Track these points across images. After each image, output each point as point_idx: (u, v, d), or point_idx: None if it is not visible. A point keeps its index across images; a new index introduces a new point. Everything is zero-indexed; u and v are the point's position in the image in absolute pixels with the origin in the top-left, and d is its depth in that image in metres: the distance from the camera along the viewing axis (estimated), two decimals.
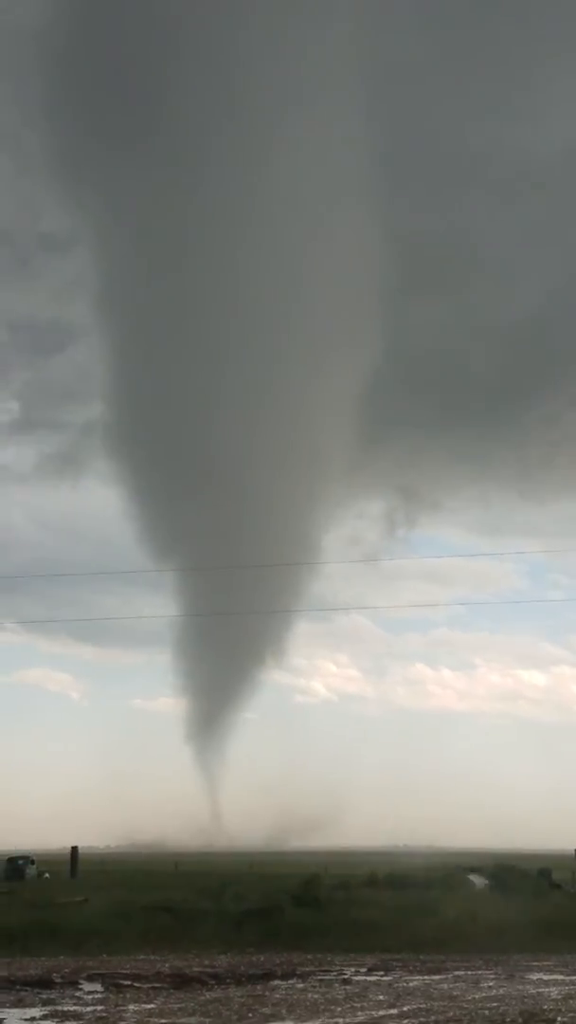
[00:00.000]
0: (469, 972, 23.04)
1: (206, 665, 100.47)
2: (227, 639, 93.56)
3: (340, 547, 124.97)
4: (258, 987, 20.67)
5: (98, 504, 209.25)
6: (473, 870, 49.18)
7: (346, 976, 22.30)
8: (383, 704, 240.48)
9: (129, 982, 21.20)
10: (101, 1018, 17.12)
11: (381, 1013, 17.43)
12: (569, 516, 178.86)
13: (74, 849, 56.87)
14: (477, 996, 19.35)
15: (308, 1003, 18.59)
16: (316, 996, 19.44)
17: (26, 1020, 17.04)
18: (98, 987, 20.74)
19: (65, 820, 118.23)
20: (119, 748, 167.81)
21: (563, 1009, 17.49)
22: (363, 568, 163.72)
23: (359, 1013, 17.46)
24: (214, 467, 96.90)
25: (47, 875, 55.46)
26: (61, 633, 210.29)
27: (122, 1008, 18.07)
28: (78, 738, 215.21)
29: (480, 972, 23.04)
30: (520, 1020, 16.42)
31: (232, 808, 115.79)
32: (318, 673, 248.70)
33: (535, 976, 22.30)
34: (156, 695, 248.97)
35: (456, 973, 22.89)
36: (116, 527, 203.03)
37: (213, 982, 21.29)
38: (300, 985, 20.99)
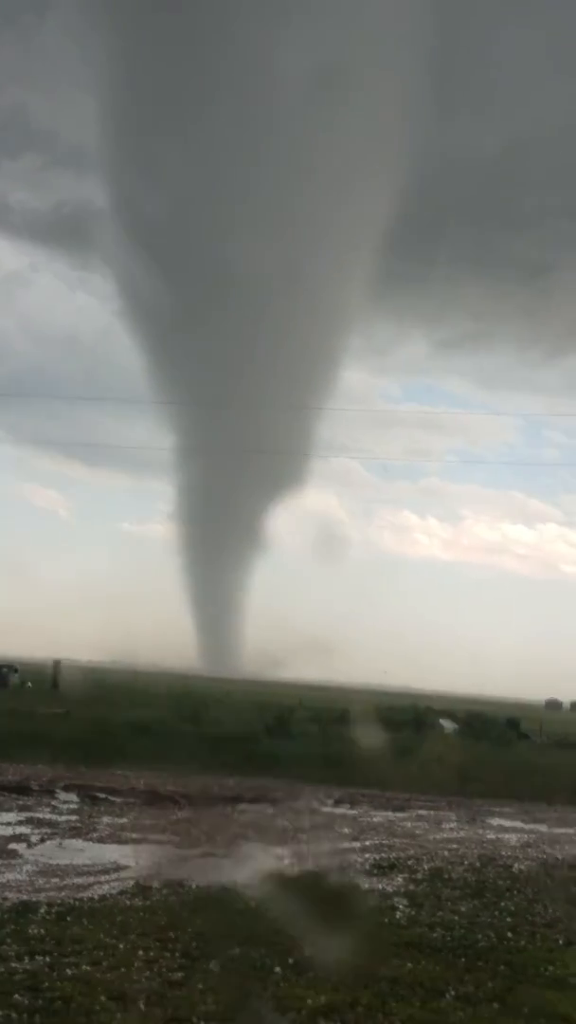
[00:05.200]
0: (432, 812, 23.85)
1: (208, 501, 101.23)
2: (235, 475, 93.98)
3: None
4: (228, 810, 21.39)
5: (99, 317, 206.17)
6: (444, 714, 50.63)
7: (313, 806, 23.08)
8: (368, 547, 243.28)
9: (104, 795, 21.91)
10: (75, 828, 17.72)
11: (344, 845, 18.05)
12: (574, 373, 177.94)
13: (57, 663, 58.27)
14: (438, 837, 20.06)
15: (276, 829, 19.25)
16: (284, 823, 20.13)
17: (2, 824, 17.61)
18: (73, 797, 21.44)
19: (47, 634, 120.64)
20: (105, 568, 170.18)
21: (520, 857, 18.13)
22: (357, 411, 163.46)
23: (323, 843, 18.09)
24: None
25: (29, 684, 56.95)
26: (52, 449, 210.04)
27: (95, 820, 18.70)
28: (64, 556, 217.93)
29: (443, 813, 23.86)
30: (478, 864, 17.01)
31: (217, 635, 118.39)
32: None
33: (496, 822, 23.09)
34: (146, 519, 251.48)
35: (419, 812, 23.69)
36: (118, 343, 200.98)
37: (185, 802, 22.01)
38: (269, 811, 21.72)
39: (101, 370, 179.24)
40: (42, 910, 11.51)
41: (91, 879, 13.57)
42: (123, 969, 9.52)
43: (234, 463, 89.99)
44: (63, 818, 18.73)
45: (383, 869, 15.79)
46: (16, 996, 8.58)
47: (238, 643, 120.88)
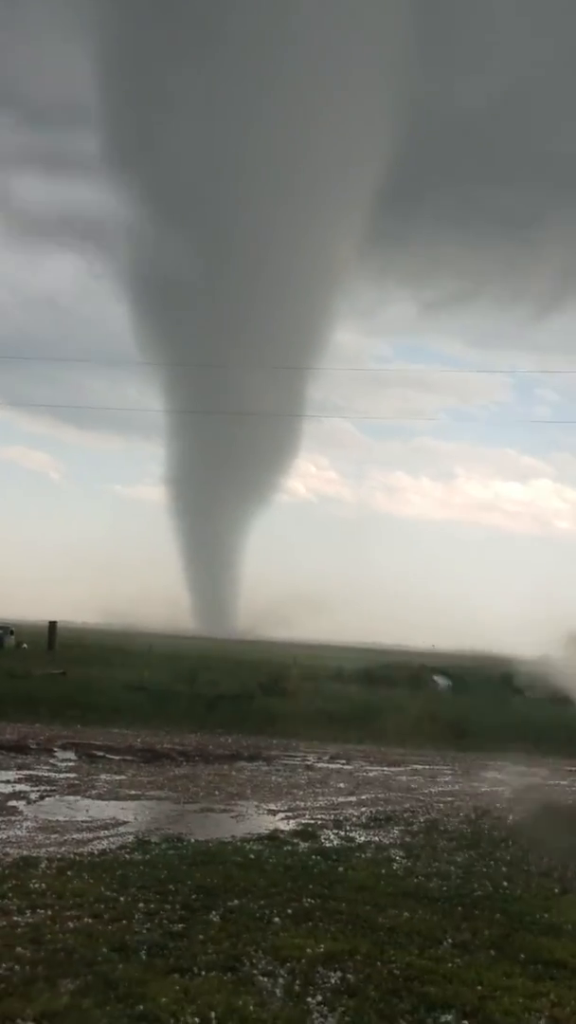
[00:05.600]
0: (427, 767, 24.06)
1: (201, 462, 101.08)
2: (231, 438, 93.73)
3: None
4: (225, 767, 21.55)
5: (87, 280, 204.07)
6: (438, 671, 50.88)
7: (309, 763, 23.27)
8: (361, 507, 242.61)
9: (102, 753, 22.05)
10: (73, 785, 17.85)
11: (341, 799, 18.21)
12: (566, 331, 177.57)
13: (52, 624, 58.35)
14: (433, 790, 20.26)
15: (272, 785, 19.42)
16: (280, 779, 20.30)
17: (2, 782, 17.73)
18: (71, 755, 21.58)
19: (41, 595, 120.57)
20: (98, 530, 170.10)
21: (515, 809, 18.33)
22: (348, 372, 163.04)
23: (320, 798, 18.25)
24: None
25: (25, 646, 57.06)
26: (42, 412, 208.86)
27: (94, 777, 18.83)
28: (56, 518, 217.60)
29: (437, 768, 24.07)
30: (473, 816, 17.20)
31: (211, 596, 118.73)
32: (297, 473, 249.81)
33: (490, 775, 23.31)
34: (138, 482, 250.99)
35: (414, 767, 23.89)
36: (108, 306, 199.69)
37: (182, 759, 22.17)
38: (265, 768, 21.90)
39: (90, 331, 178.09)
40: (43, 865, 11.63)
41: (91, 835, 13.69)
42: (124, 921, 9.64)
43: (227, 425, 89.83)
44: (62, 776, 18.86)
45: (380, 822, 15.96)
46: (19, 948, 8.69)
47: (232, 604, 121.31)
